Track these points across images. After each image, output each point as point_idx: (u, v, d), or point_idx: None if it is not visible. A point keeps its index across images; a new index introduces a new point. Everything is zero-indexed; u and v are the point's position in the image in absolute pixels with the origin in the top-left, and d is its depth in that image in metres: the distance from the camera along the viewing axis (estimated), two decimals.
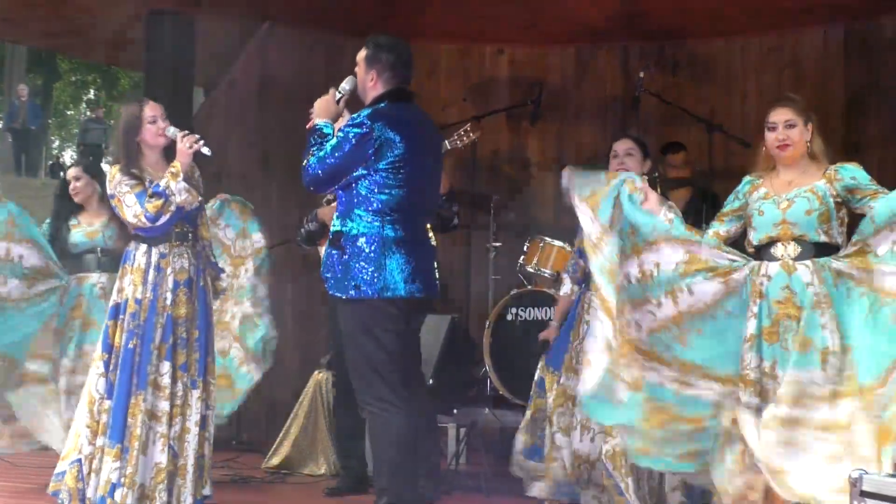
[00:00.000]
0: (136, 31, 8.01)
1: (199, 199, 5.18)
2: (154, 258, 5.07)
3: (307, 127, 4.69)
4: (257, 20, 8.33)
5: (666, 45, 8.45)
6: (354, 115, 4.62)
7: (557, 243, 6.84)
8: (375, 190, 4.56)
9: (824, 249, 4.30)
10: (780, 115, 4.43)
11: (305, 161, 4.59)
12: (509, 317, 6.80)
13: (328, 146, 4.55)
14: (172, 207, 4.97)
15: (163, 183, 4.97)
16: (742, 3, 7.62)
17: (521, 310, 6.78)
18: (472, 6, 7.89)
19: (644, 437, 4.37)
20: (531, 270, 6.93)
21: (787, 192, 4.38)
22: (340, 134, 4.56)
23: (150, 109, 5.15)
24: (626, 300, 4.29)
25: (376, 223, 4.56)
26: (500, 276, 7.29)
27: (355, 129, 4.54)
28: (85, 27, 8.48)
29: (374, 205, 4.56)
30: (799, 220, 4.31)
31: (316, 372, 6.80)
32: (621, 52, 8.54)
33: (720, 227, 4.54)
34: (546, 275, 6.83)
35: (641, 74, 7.26)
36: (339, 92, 4.73)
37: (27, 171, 21.96)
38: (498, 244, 7.22)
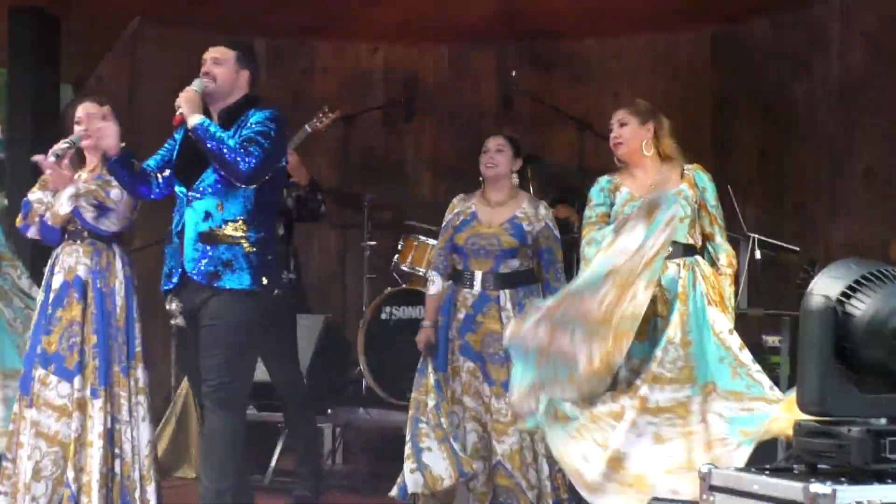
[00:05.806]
0: None
1: (96, 203, 4.94)
2: (52, 257, 4.99)
3: (175, 123, 4.51)
4: (126, 17, 8.16)
5: (541, 45, 8.52)
6: (266, 112, 4.50)
7: (432, 242, 6.82)
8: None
9: (689, 250, 4.49)
10: (616, 116, 4.70)
11: (236, 157, 4.34)
12: (384, 316, 6.76)
13: (262, 140, 4.39)
14: (36, 218, 4.96)
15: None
16: (617, 5, 7.70)
17: (396, 308, 6.74)
18: (347, 4, 7.85)
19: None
20: (406, 269, 6.90)
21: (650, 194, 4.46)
22: (259, 128, 4.42)
23: (81, 109, 5.08)
24: None
25: (266, 217, 4.57)
26: (375, 276, 7.26)
27: (277, 124, 4.48)
28: None
29: (263, 198, 4.52)
30: None
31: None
32: (497, 51, 8.59)
33: (597, 234, 4.51)
34: (421, 273, 6.79)
35: (514, 73, 7.32)
36: (197, 90, 4.52)
37: None
38: (373, 243, 7.19)
